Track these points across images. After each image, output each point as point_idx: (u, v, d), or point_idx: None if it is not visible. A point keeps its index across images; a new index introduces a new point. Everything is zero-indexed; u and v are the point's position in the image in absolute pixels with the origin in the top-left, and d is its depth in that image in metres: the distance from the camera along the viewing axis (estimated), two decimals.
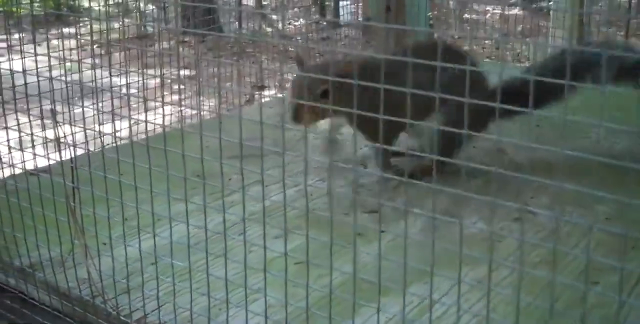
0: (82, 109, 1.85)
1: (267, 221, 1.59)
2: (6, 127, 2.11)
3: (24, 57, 2.20)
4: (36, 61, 2.01)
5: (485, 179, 2.69)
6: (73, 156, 1.89)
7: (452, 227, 2.32)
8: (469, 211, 2.46)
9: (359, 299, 1.57)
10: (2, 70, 2.16)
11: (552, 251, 1.32)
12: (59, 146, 1.86)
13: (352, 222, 1.60)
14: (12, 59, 2.12)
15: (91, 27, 3.03)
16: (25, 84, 2.16)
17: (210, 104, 5.20)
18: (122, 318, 1.90)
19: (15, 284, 2.15)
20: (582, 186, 1.20)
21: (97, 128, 1.88)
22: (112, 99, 2.73)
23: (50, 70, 1.86)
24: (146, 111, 1.67)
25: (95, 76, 1.88)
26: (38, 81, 2.00)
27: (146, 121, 1.70)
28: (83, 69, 2.05)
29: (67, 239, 1.97)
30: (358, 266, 2.13)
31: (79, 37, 2.95)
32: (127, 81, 2.39)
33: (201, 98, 5.01)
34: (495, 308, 1.94)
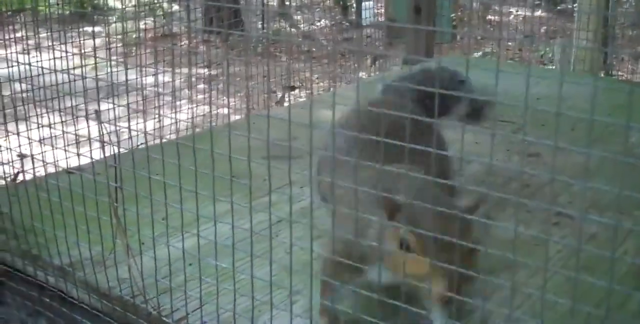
0: (113, 108, 1.86)
1: (305, 222, 1.58)
2: (49, 125, 2.12)
3: (57, 57, 2.20)
4: (66, 58, 2.01)
5: (522, 182, 2.70)
6: (116, 155, 1.88)
7: (491, 231, 2.33)
8: (506, 216, 2.45)
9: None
10: (37, 69, 2.18)
11: (591, 256, 1.30)
12: (102, 145, 1.86)
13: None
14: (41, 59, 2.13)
15: (123, 25, 3.04)
16: (70, 82, 2.17)
17: (242, 104, 5.21)
18: (163, 318, 1.90)
19: (54, 283, 2.16)
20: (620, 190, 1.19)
21: (134, 127, 1.89)
22: (142, 97, 2.74)
23: (97, 69, 1.86)
24: (194, 109, 1.67)
25: (126, 75, 1.88)
26: (69, 79, 2.01)
27: (193, 118, 1.70)
28: (109, 69, 2.07)
29: (107, 238, 1.98)
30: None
31: (108, 35, 2.95)
32: (156, 79, 2.40)
33: (227, 98, 5.02)
34: (537, 314, 1.93)
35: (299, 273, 1.71)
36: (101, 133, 1.84)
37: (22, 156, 2.49)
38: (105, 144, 1.89)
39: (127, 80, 1.87)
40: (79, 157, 2.02)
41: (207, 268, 1.88)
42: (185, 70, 3.26)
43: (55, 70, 2.13)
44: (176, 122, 1.89)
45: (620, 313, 1.95)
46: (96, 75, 1.89)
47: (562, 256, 2.24)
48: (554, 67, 8.12)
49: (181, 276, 1.88)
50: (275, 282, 1.72)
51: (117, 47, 3.37)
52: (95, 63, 2.15)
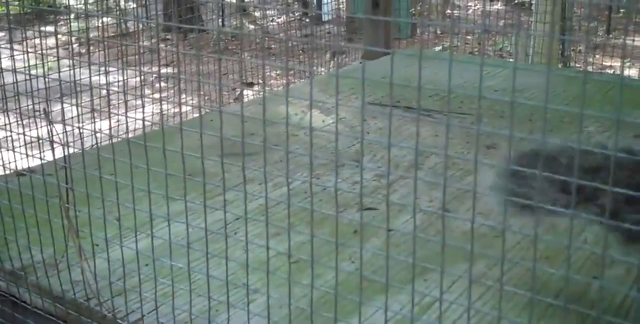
0: (67, 108, 1.81)
1: (262, 220, 1.56)
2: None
3: (12, 56, 2.15)
4: (27, 60, 1.96)
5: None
6: (67, 155, 1.84)
7: (450, 223, 2.33)
8: (466, 208, 2.44)
9: (356, 297, 1.54)
10: None
11: (549, 247, 1.29)
12: (52, 146, 1.82)
13: (348, 220, 1.59)
14: None
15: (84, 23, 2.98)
16: (16, 82, 2.11)
17: (194, 102, 5.15)
18: (118, 320, 1.86)
19: (6, 288, 2.10)
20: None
21: (86, 127, 1.85)
22: (92, 97, 2.68)
23: (63, 68, 1.81)
24: (143, 107, 1.63)
25: (80, 74, 1.84)
26: (29, 79, 1.96)
27: (143, 119, 1.65)
28: (64, 68, 2.02)
29: (59, 240, 1.93)
30: (355, 264, 2.12)
31: (63, 34, 2.89)
32: (107, 79, 2.35)
33: (184, 96, 4.97)
34: (496, 305, 1.92)
35: (256, 271, 1.69)
36: (50, 133, 1.79)
37: None
38: (55, 144, 1.84)
39: (75, 79, 1.83)
40: (27, 159, 1.97)
41: (163, 268, 1.84)
42: (144, 68, 3.22)
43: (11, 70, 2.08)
44: (126, 122, 1.85)
45: (580, 303, 1.95)
46: (44, 74, 1.84)
47: (522, 247, 2.24)
48: (512, 60, 8.18)
49: (136, 277, 1.85)
50: (232, 281, 1.70)
51: (71, 46, 3.32)
52: (44, 62, 2.10)
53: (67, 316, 1.96)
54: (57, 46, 2.46)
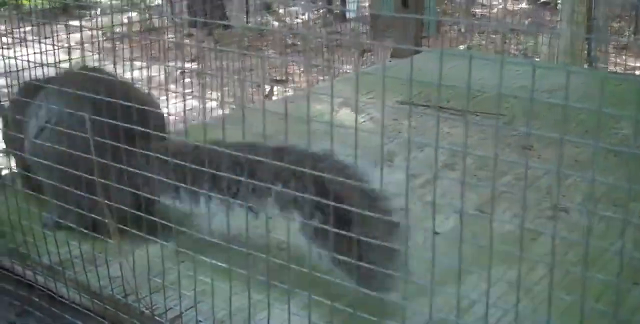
0: None
1: None
2: None
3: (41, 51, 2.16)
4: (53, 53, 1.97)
5: (515, 175, 2.69)
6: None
7: (486, 225, 2.30)
8: (501, 210, 2.42)
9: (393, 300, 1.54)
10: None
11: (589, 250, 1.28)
12: (91, 143, 1.82)
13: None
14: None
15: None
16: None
17: (230, 97, 5.15)
18: (156, 317, 1.86)
19: (43, 282, 2.11)
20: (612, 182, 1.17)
21: None
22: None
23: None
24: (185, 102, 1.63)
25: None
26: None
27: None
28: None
29: (98, 236, 1.93)
30: None
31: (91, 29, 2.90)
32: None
33: (215, 92, 4.97)
34: (536, 309, 1.90)
35: (294, 269, 1.68)
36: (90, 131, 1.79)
37: (6, 152, 2.44)
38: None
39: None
40: None
41: (201, 266, 1.83)
42: (171, 64, 3.22)
43: (42, 64, 2.09)
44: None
45: (619, 308, 1.93)
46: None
47: (559, 251, 2.21)
48: (539, 59, 8.12)
49: (173, 274, 1.85)
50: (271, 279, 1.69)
51: (100, 41, 3.32)
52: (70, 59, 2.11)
53: (104, 311, 1.96)
54: (81, 42, 2.46)
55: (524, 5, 10.35)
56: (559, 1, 7.81)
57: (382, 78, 1.41)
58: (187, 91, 4.58)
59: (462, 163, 2.79)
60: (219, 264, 1.70)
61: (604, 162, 2.66)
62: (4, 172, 2.62)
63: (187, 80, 5.59)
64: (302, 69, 7.22)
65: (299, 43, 9.00)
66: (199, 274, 1.77)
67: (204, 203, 1.91)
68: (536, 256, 2.14)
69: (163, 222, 1.75)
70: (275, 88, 5.40)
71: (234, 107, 3.95)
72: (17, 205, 2.09)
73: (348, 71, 5.38)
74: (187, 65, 5.94)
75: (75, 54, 2.19)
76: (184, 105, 1.87)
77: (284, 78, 6.04)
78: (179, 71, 4.79)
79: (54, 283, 2.08)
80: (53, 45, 2.22)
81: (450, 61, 1.23)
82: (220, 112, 4.29)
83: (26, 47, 2.21)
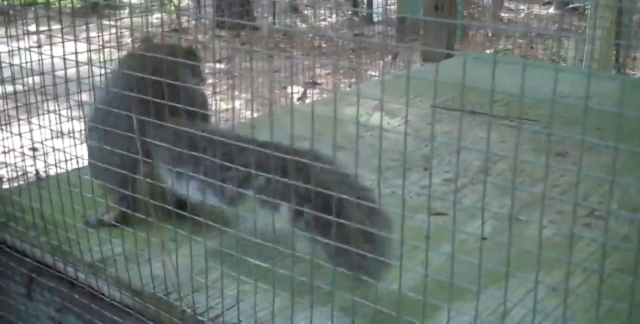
0: None
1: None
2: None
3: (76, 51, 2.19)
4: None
5: (551, 182, 2.68)
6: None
7: (522, 231, 2.31)
8: (537, 216, 2.42)
9: (433, 303, 1.55)
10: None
11: (626, 257, 1.28)
12: (138, 141, 1.85)
13: (418, 224, 1.59)
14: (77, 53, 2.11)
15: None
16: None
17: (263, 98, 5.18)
18: (197, 316, 1.88)
19: (84, 279, 2.14)
20: None
21: None
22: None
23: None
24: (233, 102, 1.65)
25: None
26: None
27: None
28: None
29: (139, 234, 1.96)
30: (430, 270, 2.11)
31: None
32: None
33: (237, 92, 4.99)
34: (574, 315, 1.91)
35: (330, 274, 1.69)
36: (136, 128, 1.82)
37: (34, 150, 2.47)
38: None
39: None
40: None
41: (241, 265, 1.85)
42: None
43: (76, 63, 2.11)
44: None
45: None
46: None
47: (597, 258, 2.21)
48: (566, 64, 8.08)
49: (214, 273, 1.87)
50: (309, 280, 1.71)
51: (133, 40, 3.35)
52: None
53: (145, 310, 1.98)
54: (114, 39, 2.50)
55: (551, 10, 10.31)
56: (588, 7, 7.76)
57: (407, 81, 1.42)
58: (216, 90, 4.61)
59: (497, 168, 2.81)
60: (262, 264, 1.72)
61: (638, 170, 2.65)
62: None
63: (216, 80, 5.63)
64: (329, 72, 7.25)
65: (324, 45, 9.02)
66: (241, 273, 1.79)
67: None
68: (573, 263, 2.14)
69: (207, 221, 1.77)
70: (308, 90, 5.43)
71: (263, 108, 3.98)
72: (60, 202, 2.12)
73: (377, 75, 5.39)
74: (217, 65, 5.96)
75: (105, 52, 2.24)
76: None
77: (318, 81, 6.06)
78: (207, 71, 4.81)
79: (95, 280, 2.11)
80: (88, 43, 2.24)
81: (484, 66, 1.24)
82: (248, 113, 4.32)
83: (63, 45, 2.24)
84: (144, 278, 1.97)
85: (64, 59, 2.18)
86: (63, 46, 2.18)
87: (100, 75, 2.42)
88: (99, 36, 2.55)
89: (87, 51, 2.25)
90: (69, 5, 3.28)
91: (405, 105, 1.50)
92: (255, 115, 4.53)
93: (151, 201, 1.88)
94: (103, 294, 2.10)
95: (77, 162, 2.21)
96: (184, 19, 6.33)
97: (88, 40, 2.18)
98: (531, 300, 2.01)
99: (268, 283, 1.75)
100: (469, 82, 1.22)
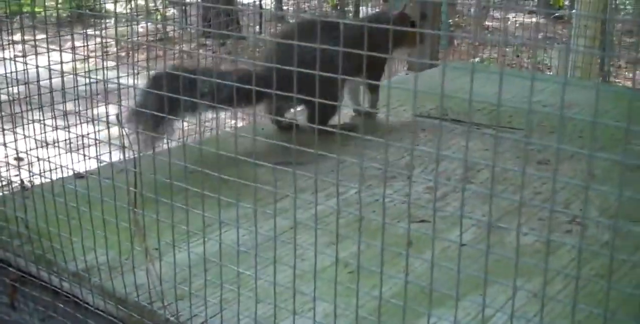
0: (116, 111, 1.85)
1: (316, 229, 1.59)
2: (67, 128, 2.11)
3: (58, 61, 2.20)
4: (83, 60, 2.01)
5: (533, 190, 2.71)
6: (136, 158, 1.88)
7: (504, 238, 2.34)
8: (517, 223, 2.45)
9: (414, 309, 1.56)
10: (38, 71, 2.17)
11: (606, 264, 1.31)
12: (123, 149, 1.86)
13: (401, 232, 1.61)
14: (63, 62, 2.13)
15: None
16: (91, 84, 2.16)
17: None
18: None
19: (69, 288, 2.14)
20: (629, 197, 1.20)
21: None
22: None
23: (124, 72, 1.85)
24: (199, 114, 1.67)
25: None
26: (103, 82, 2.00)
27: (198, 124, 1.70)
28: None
29: (124, 242, 1.97)
30: (411, 276, 2.13)
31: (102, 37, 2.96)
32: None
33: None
34: (554, 321, 1.93)
35: (312, 279, 1.71)
36: (122, 138, 1.84)
37: (20, 159, 2.48)
38: (114, 147, 1.89)
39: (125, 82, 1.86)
40: (85, 161, 2.02)
41: (225, 274, 1.87)
42: None
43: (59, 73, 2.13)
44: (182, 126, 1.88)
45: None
46: (104, 77, 1.88)
47: (576, 265, 2.24)
48: (551, 73, 8.15)
49: (198, 281, 1.88)
50: (291, 288, 1.72)
51: (117, 49, 3.38)
52: (104, 67, 2.15)
53: (129, 318, 1.99)
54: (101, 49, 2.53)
55: (537, 19, 10.38)
56: (573, 16, 7.83)
57: (388, 91, 1.45)
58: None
59: (480, 176, 2.83)
60: (245, 272, 1.74)
61: (619, 178, 2.68)
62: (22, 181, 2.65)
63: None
64: None
65: None
66: (224, 281, 1.80)
67: None
68: (554, 269, 2.17)
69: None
70: None
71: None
72: (44, 211, 2.13)
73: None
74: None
75: (90, 62, 2.25)
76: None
77: None
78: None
79: (79, 289, 2.12)
80: (74, 53, 2.26)
81: (468, 75, 1.26)
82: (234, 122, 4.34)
83: (48, 55, 2.25)
84: (128, 287, 1.98)
85: (49, 69, 2.20)
86: (48, 56, 2.20)
87: (85, 84, 2.43)
88: (84, 46, 2.57)
89: (72, 61, 2.27)
90: (55, 14, 3.29)
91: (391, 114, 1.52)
92: (240, 124, 4.56)
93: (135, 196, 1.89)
94: (87, 303, 2.10)
95: (62, 172, 2.22)
96: (169, 28, 6.33)
97: (73, 49, 2.20)
98: (512, 307, 2.04)
99: (251, 291, 1.77)
100: (453, 91, 1.24)
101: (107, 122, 1.93)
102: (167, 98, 1.78)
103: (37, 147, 2.24)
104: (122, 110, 1.92)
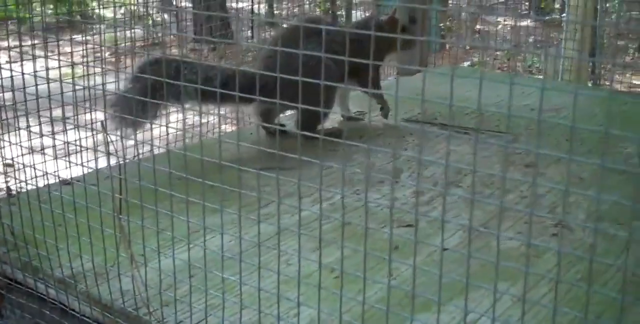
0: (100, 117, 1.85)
1: (301, 234, 1.60)
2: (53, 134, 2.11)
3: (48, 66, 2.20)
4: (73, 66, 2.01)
5: (519, 193, 2.72)
6: (122, 166, 1.88)
7: (490, 242, 2.34)
8: (505, 227, 2.46)
9: (399, 314, 1.57)
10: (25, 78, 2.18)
11: (594, 267, 1.31)
12: (108, 157, 1.86)
13: (388, 236, 1.61)
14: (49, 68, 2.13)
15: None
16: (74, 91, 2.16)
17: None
18: None
19: (55, 295, 2.14)
20: (615, 200, 1.21)
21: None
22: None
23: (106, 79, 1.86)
24: (184, 119, 1.67)
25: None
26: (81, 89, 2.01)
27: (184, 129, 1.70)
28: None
29: (109, 249, 1.97)
30: (397, 281, 2.14)
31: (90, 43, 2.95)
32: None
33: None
34: None
35: (298, 284, 1.71)
36: (107, 145, 1.84)
37: (8, 166, 2.48)
38: (110, 154, 1.89)
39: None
40: (70, 168, 2.02)
41: (210, 280, 1.87)
42: None
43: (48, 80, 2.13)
44: (167, 132, 1.88)
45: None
46: (103, 85, 1.89)
47: (564, 268, 2.25)
48: (542, 76, 8.17)
49: (183, 288, 1.88)
50: (276, 294, 1.73)
51: (104, 55, 3.37)
52: (97, 71, 2.15)
53: None
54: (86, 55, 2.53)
55: (528, 22, 10.42)
56: (564, 19, 7.85)
57: (369, 98, 1.46)
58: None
59: (467, 180, 2.84)
60: (230, 277, 1.74)
61: (607, 180, 2.69)
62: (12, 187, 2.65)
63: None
64: None
65: None
66: (210, 287, 1.81)
67: None
68: (540, 273, 2.18)
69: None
70: None
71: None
72: (30, 218, 2.13)
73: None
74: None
75: (79, 68, 2.25)
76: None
77: None
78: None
79: (65, 296, 2.12)
80: (59, 59, 2.26)
81: (457, 80, 1.27)
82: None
83: (34, 62, 2.25)
84: (114, 293, 1.98)
85: (35, 75, 2.20)
86: (34, 63, 2.20)
87: (72, 91, 2.43)
88: (70, 53, 2.57)
89: (58, 67, 2.27)
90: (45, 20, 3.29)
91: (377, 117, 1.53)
92: (230, 129, 4.56)
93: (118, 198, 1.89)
94: (74, 310, 2.10)
95: (47, 178, 2.22)
96: (157, 33, 6.33)
97: (59, 56, 2.20)
98: (497, 310, 2.05)
99: (237, 297, 1.77)
100: (440, 95, 1.25)
101: (92, 129, 1.93)
102: (151, 83, 1.80)
103: (22, 155, 2.24)
104: (107, 115, 1.93)
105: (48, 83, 2.20)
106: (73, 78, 2.30)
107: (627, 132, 1.15)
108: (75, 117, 1.98)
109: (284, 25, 3.69)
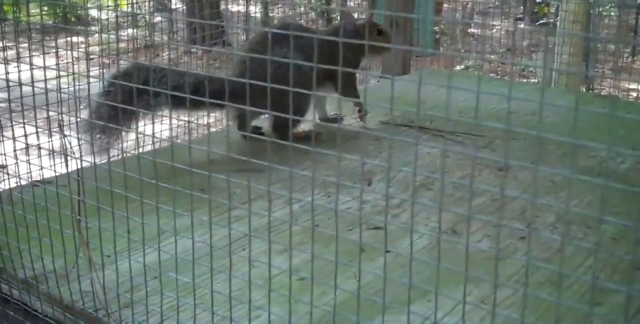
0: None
1: (269, 237, 1.60)
2: (13, 138, 2.11)
3: (33, 68, 2.21)
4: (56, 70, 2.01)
5: (490, 197, 2.72)
6: (79, 168, 1.89)
7: (457, 245, 2.34)
8: (474, 229, 2.46)
9: (361, 317, 1.57)
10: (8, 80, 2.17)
11: (557, 270, 1.31)
12: (65, 158, 1.87)
13: (355, 239, 1.61)
14: (20, 70, 2.13)
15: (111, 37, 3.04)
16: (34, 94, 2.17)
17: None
18: None
19: (18, 296, 2.15)
20: (587, 204, 1.22)
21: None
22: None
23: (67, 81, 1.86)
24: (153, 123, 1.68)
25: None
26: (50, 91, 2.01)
27: (153, 134, 1.70)
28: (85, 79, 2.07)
29: (70, 251, 1.98)
30: (361, 283, 2.14)
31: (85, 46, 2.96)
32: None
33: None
34: None
35: (261, 287, 1.72)
36: (64, 146, 1.84)
37: None
38: (68, 157, 1.90)
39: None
40: (42, 170, 2.02)
41: (169, 282, 1.88)
42: None
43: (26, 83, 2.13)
44: (136, 137, 1.89)
45: None
46: (59, 88, 1.89)
47: (528, 271, 2.25)
48: (535, 80, 8.18)
49: (143, 290, 1.88)
50: (236, 297, 1.73)
51: (100, 57, 3.38)
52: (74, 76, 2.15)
53: None
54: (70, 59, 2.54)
55: (522, 26, 10.43)
56: (558, 23, 7.86)
57: (339, 101, 1.46)
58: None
59: (439, 183, 2.84)
60: (185, 280, 1.74)
61: (578, 185, 2.69)
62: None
63: None
64: None
65: None
66: (167, 290, 1.81)
67: None
68: (504, 276, 2.18)
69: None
70: None
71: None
72: None
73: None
74: None
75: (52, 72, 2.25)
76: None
77: None
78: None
79: (28, 297, 2.12)
80: (56, 64, 2.26)
81: (440, 82, 1.28)
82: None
83: (30, 62, 2.26)
84: (74, 294, 1.99)
85: (7, 79, 2.20)
86: (30, 63, 2.21)
87: (42, 93, 2.43)
88: (66, 50, 2.57)
89: (30, 70, 2.27)
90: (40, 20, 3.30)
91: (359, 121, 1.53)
92: (212, 129, 4.56)
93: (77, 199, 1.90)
94: (36, 311, 2.11)
95: (12, 182, 2.22)
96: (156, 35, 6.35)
97: (57, 56, 2.21)
98: (459, 312, 2.05)
99: (198, 299, 1.78)
100: (422, 98, 1.26)
101: (50, 130, 1.94)
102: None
103: None
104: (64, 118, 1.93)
105: (20, 86, 2.20)
106: (33, 81, 2.31)
107: (595, 141, 1.14)
108: (35, 120, 1.97)
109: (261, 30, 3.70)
